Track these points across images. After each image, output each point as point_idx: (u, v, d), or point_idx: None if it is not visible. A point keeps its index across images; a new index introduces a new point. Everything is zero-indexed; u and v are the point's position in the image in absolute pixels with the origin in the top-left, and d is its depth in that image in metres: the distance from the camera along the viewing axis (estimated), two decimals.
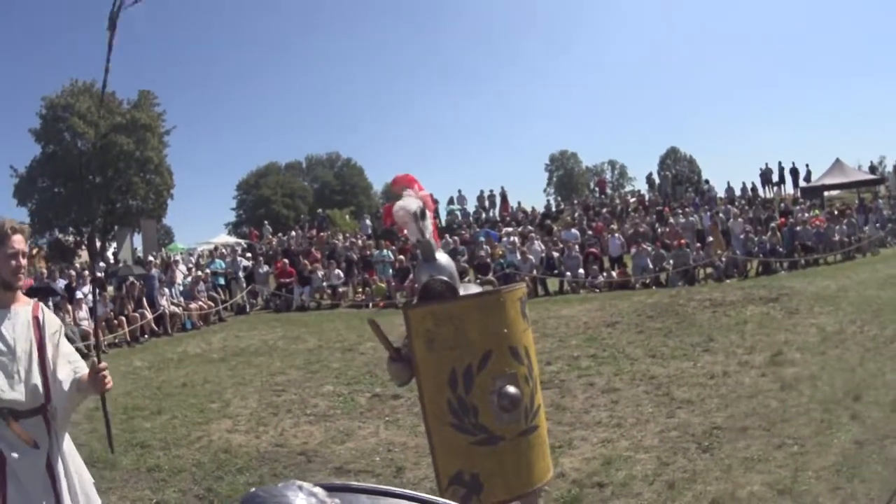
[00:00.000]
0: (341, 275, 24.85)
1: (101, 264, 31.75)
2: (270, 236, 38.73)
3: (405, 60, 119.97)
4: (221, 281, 24.69)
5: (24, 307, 3.87)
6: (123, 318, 19.06)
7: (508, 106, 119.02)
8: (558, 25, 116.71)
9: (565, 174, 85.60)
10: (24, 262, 3.80)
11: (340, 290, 24.31)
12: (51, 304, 18.04)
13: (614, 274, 23.10)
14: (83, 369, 3.94)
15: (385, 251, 25.87)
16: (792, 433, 6.97)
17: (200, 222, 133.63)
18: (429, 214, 4.49)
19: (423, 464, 6.82)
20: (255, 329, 19.12)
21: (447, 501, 1.65)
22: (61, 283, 20.72)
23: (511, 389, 3.97)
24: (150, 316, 19.81)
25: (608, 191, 53.60)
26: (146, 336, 19.40)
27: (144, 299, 20.32)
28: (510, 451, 4.04)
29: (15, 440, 3.59)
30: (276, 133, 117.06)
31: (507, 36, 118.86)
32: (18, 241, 3.77)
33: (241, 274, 25.29)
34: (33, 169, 51.59)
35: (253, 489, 1.28)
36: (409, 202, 4.39)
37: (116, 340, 18.66)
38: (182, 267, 26.42)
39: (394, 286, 23.12)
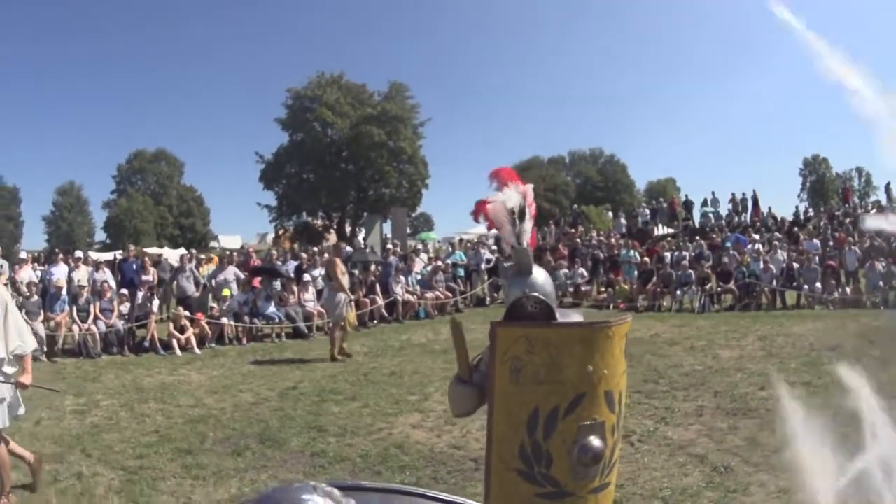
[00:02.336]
0: (585, 273, 23.72)
1: (349, 249, 31.74)
2: None
3: (667, 59, 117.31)
4: (462, 272, 24.08)
5: None
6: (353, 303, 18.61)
7: (765, 106, 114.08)
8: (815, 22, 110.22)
9: (817, 180, 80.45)
10: None
11: (583, 288, 23.22)
12: (277, 283, 18.28)
13: (848, 290, 21.15)
14: (28, 345, 5.99)
15: (632, 252, 24.25)
16: None
17: (463, 212, 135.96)
18: (529, 215, 3.58)
19: None
20: (489, 322, 17.80)
21: (458, 498, 1.63)
22: (292, 265, 20.64)
23: (596, 443, 3.19)
24: (381, 302, 19.57)
25: (854, 199, 48.93)
26: (374, 322, 19.23)
27: (378, 286, 20.11)
28: None
29: None
30: (539, 127, 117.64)
31: (759, 35, 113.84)
32: None
33: (483, 266, 24.55)
34: (280, 156, 53.77)
35: (269, 489, 1.24)
36: (510, 196, 3.53)
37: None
38: (423, 256, 25.83)
39: (636, 288, 21.98)
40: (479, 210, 3.69)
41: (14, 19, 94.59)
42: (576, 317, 3.55)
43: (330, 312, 14.72)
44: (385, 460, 7.30)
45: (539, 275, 3.52)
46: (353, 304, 15.49)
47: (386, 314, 19.65)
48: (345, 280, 14.56)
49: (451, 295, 21.87)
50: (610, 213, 52.61)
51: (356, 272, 21.47)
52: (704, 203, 39.34)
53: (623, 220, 38.15)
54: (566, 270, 23.48)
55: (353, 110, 52.72)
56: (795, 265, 21.80)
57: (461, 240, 31.75)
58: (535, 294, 3.41)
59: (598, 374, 3.18)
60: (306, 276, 19.19)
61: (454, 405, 3.76)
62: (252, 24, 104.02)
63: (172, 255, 28.49)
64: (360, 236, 45.20)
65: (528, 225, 3.56)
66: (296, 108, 53.38)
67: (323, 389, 10.78)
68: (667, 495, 6.07)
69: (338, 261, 14.83)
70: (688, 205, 40.24)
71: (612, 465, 3.37)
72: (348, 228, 53.89)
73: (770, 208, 37.74)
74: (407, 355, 13.96)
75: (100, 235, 71.92)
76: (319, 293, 18.70)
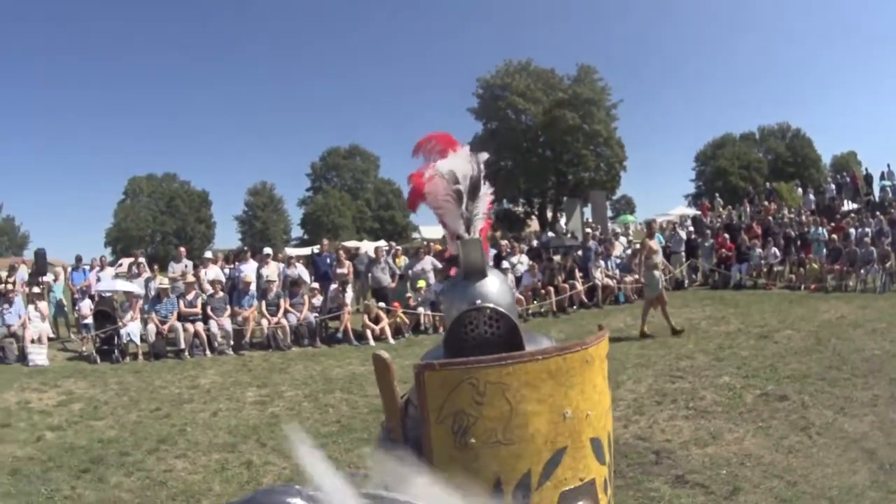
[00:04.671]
0: (777, 253, 22.61)
1: (551, 234, 31.74)
2: (721, 209, 37.01)
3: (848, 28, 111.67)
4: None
5: None
6: (552, 289, 18.77)
7: None
8: None
9: None
10: None
11: (776, 268, 22.25)
12: None
13: None
14: None
15: (821, 229, 22.97)
16: None
17: (661, 193, 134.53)
18: (484, 192, 2.66)
19: (763, 487, 6.12)
20: (687, 307, 17.82)
21: None
22: (491, 253, 19.94)
23: None
24: (580, 287, 19.29)
25: None
26: (574, 307, 19.00)
27: (577, 270, 19.81)
28: None
29: None
30: (729, 103, 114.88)
31: None
32: None
33: (680, 249, 23.73)
34: (475, 145, 53.52)
35: (252, 492, 1.13)
36: (452, 164, 2.63)
37: (542, 310, 18.45)
38: (622, 239, 25.19)
39: (826, 268, 20.80)
40: (415, 186, 2.74)
41: (198, 31, 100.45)
42: (546, 342, 2.49)
43: (647, 288, 14.94)
44: None
45: (494, 280, 2.52)
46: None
47: (586, 299, 19.41)
48: (657, 258, 14.92)
49: None
50: (800, 190, 50.53)
51: (556, 258, 21.31)
52: (882, 177, 37.48)
53: (812, 197, 36.57)
54: (760, 250, 22.54)
55: (544, 96, 52.99)
56: None
57: (652, 220, 31.06)
58: (490, 305, 2.40)
59: (579, 419, 2.28)
60: (504, 264, 19.02)
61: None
62: (438, 16, 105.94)
63: (372, 248, 29.01)
64: (562, 221, 45.35)
65: (482, 207, 2.65)
66: (487, 98, 54.26)
67: None
68: (833, 495, 5.76)
69: (648, 241, 15.26)
70: (868, 178, 38.34)
71: None
72: (549, 214, 53.98)
73: None
74: None
75: (296, 232, 75.29)
76: (518, 280, 18.71)
